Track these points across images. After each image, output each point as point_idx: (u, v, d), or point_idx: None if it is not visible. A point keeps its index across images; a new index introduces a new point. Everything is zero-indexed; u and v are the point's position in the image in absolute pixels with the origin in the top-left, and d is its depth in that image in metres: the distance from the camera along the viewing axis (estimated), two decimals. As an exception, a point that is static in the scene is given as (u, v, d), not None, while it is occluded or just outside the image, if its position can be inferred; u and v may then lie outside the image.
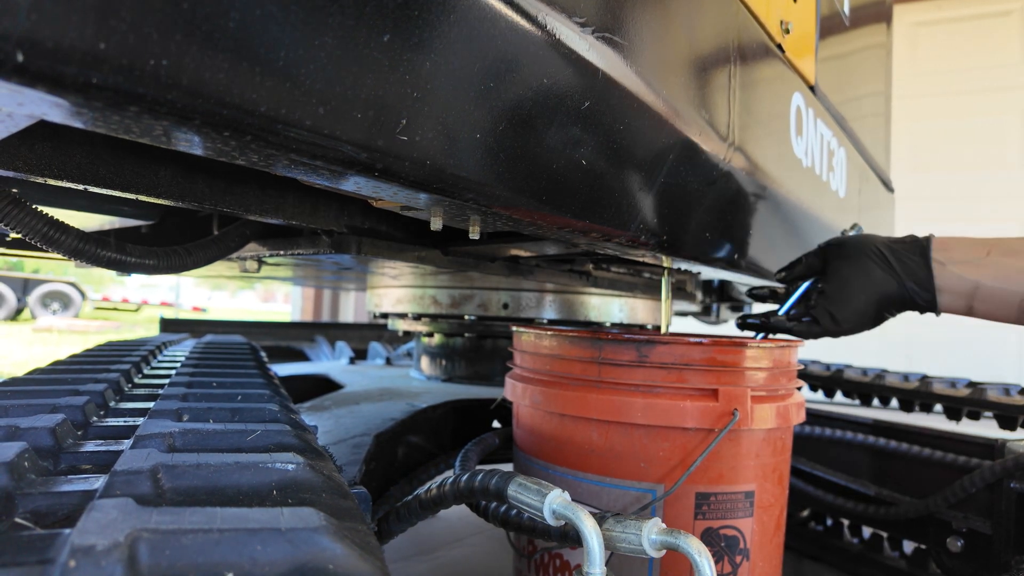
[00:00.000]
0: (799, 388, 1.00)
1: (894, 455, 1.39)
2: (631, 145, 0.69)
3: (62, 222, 0.65)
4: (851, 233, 1.03)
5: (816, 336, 0.98)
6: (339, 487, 0.46)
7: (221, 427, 0.54)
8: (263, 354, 1.32)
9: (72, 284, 12.43)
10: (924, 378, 1.69)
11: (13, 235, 0.69)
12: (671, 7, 0.73)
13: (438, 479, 0.85)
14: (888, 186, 2.07)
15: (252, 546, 0.32)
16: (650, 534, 0.64)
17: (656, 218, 0.78)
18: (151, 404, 0.67)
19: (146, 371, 0.97)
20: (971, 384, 1.63)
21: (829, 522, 1.59)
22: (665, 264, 0.99)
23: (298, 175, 0.47)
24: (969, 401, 1.51)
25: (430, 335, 1.66)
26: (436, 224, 0.68)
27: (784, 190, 1.09)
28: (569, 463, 0.92)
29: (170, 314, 14.28)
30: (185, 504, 0.38)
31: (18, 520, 0.38)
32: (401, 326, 1.65)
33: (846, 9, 1.50)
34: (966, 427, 1.43)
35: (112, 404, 0.69)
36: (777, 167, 1.05)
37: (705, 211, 0.89)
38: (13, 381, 0.74)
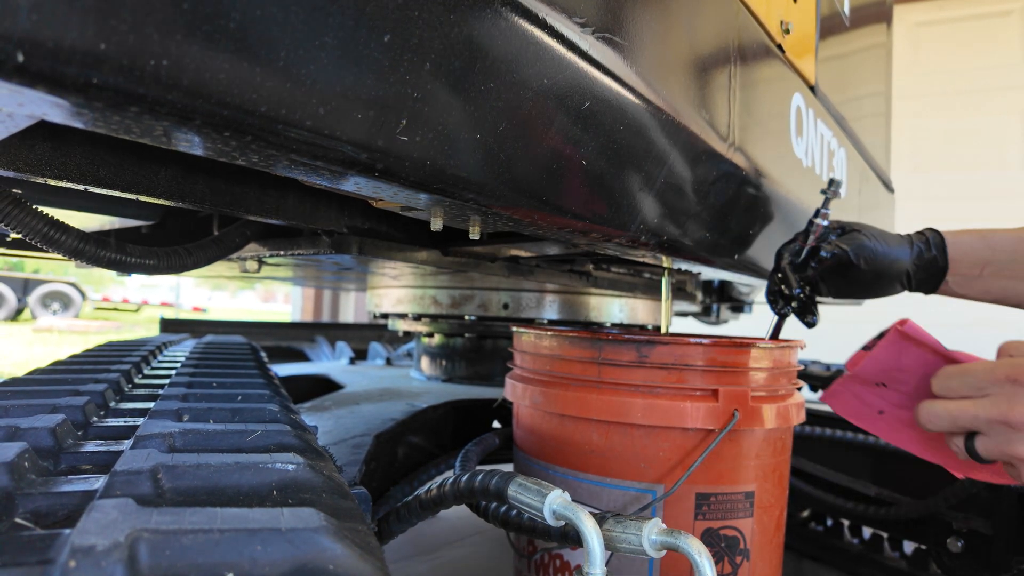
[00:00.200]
0: (799, 388, 1.00)
1: (894, 455, 1.39)
2: (631, 145, 0.69)
3: (62, 222, 0.65)
4: (830, 191, 1.01)
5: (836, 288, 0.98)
6: (339, 487, 0.46)
7: (221, 427, 0.54)
8: (263, 354, 1.32)
9: (72, 284, 12.44)
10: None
11: (13, 235, 0.69)
12: (671, 7, 0.73)
13: (438, 479, 0.85)
14: (888, 186, 2.07)
15: (252, 546, 0.32)
16: (650, 534, 0.64)
17: (656, 218, 0.78)
18: (151, 404, 0.67)
19: (146, 371, 0.97)
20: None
21: (829, 522, 1.59)
22: (665, 264, 0.99)
23: (298, 175, 0.47)
24: None
25: (430, 335, 1.66)
26: (436, 224, 0.68)
27: (784, 190, 1.09)
28: (569, 463, 0.92)
29: (170, 314, 14.28)
30: (185, 504, 0.38)
31: (18, 520, 0.38)
32: (401, 326, 1.65)
33: (846, 9, 1.50)
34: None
35: (112, 404, 0.69)
36: (777, 167, 1.05)
37: (705, 211, 0.89)
38: (13, 381, 0.74)
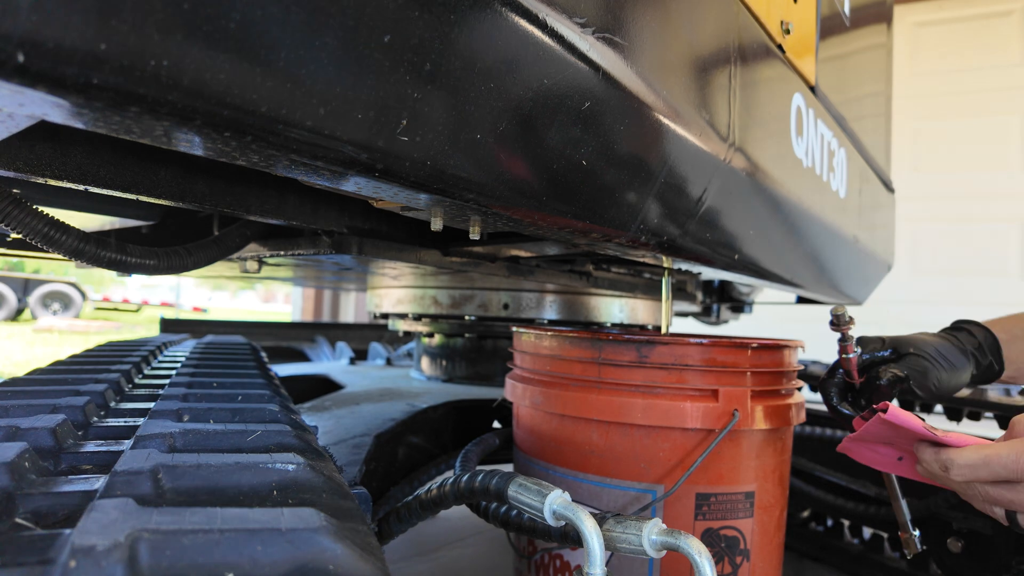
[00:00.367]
0: (799, 388, 1.00)
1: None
2: (631, 145, 0.69)
3: (63, 222, 0.65)
4: (841, 326, 0.89)
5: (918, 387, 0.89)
6: (339, 487, 0.46)
7: (221, 427, 0.54)
8: (263, 354, 1.32)
9: (73, 284, 12.44)
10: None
11: (14, 235, 0.69)
12: (671, 8, 0.73)
13: (438, 479, 0.85)
14: (888, 186, 2.07)
15: (252, 546, 0.32)
16: (650, 535, 0.64)
17: (656, 218, 0.78)
18: (151, 404, 0.67)
19: (146, 371, 0.97)
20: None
21: (830, 522, 1.59)
22: (665, 264, 0.99)
23: (299, 175, 0.47)
24: (970, 402, 1.51)
25: (430, 335, 1.66)
26: (436, 225, 0.68)
27: (784, 190, 1.09)
28: (569, 464, 0.92)
29: (171, 314, 14.29)
30: (185, 504, 0.38)
31: (19, 520, 0.38)
32: (401, 326, 1.65)
33: (847, 9, 1.50)
34: (966, 428, 1.42)
35: (112, 404, 0.69)
36: (777, 167, 1.05)
37: (705, 211, 0.88)
38: (14, 381, 0.74)
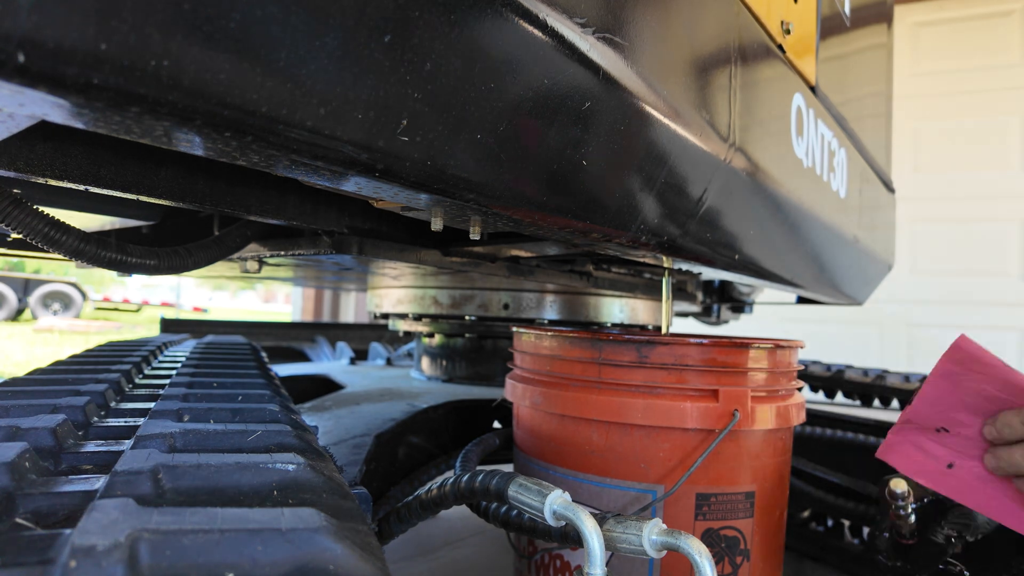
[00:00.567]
0: (799, 389, 1.00)
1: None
2: (632, 146, 0.69)
3: (63, 222, 0.65)
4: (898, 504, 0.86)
5: None
6: (340, 487, 0.46)
7: (222, 427, 0.54)
8: (264, 354, 1.32)
9: (73, 284, 12.45)
10: (925, 379, 1.69)
11: (14, 235, 0.69)
12: (672, 8, 0.73)
13: (438, 479, 0.85)
14: (889, 186, 2.07)
15: (253, 546, 0.32)
16: (651, 535, 0.64)
17: (656, 218, 0.78)
18: (152, 404, 0.67)
19: (147, 371, 0.97)
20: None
21: (829, 522, 1.59)
22: (666, 264, 0.99)
23: (299, 176, 0.47)
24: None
25: (431, 335, 1.66)
26: (437, 225, 0.68)
27: (785, 191, 1.09)
28: (569, 464, 0.92)
29: (171, 314, 14.29)
30: (186, 504, 0.38)
31: (19, 520, 0.38)
32: (402, 326, 1.65)
33: (847, 9, 1.50)
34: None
35: (113, 404, 0.69)
36: (778, 168, 1.05)
37: (706, 212, 0.88)
38: (14, 381, 0.74)
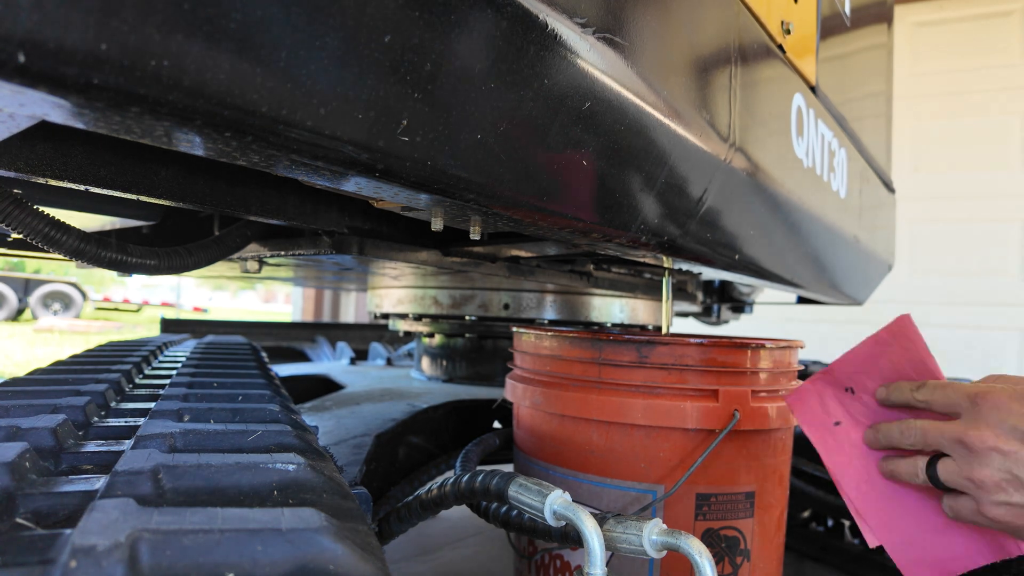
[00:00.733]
0: (800, 389, 1.00)
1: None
2: (632, 146, 0.69)
3: (63, 222, 0.65)
4: None
5: None
6: (340, 487, 0.46)
7: (222, 427, 0.54)
8: (264, 354, 1.32)
9: (73, 284, 12.45)
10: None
11: (14, 235, 0.69)
12: (672, 8, 0.73)
13: (439, 480, 0.85)
14: (889, 186, 2.07)
15: (253, 546, 0.32)
16: (651, 535, 0.64)
17: (657, 218, 0.78)
18: (152, 404, 0.67)
19: (147, 371, 0.97)
20: (972, 385, 1.63)
21: (830, 522, 1.59)
22: (666, 265, 0.99)
23: (299, 176, 0.47)
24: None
25: (431, 336, 1.66)
26: (437, 225, 0.68)
27: (785, 191, 1.09)
28: (569, 464, 0.92)
29: (171, 314, 14.29)
30: (186, 504, 0.38)
31: (19, 520, 0.38)
32: (402, 327, 1.65)
33: (847, 9, 1.50)
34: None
35: (113, 404, 0.69)
36: (778, 168, 1.05)
37: (706, 212, 0.88)
38: (14, 381, 0.74)
